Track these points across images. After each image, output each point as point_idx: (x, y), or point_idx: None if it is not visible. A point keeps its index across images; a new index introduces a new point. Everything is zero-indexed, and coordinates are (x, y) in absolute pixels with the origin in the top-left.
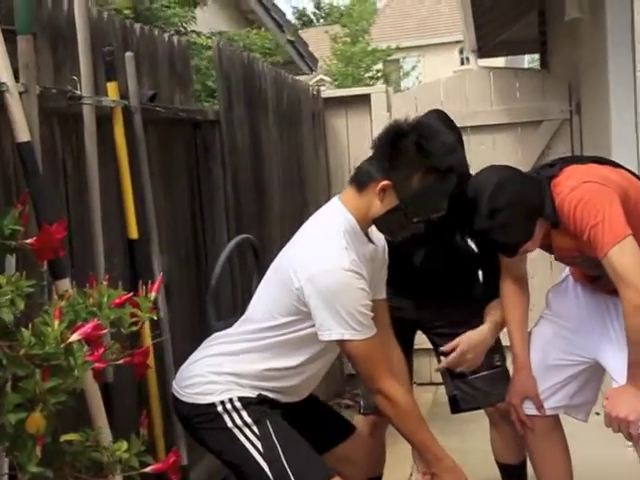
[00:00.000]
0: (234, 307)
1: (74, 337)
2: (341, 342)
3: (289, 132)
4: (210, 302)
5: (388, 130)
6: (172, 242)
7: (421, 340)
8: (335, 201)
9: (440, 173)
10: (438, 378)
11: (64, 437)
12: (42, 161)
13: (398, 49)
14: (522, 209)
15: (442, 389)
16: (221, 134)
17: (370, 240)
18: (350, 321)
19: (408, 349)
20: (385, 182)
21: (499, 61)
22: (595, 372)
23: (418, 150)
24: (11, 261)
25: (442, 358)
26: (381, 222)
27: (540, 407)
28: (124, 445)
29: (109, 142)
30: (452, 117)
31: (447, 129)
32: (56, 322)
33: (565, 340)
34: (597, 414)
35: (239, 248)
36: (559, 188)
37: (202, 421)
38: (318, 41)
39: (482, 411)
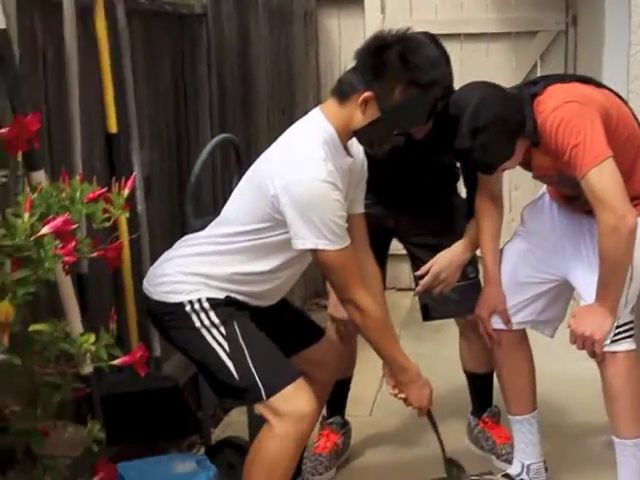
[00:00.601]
0: (214, 207)
1: (44, 230)
2: (314, 252)
3: (280, 30)
4: (189, 199)
5: (372, 41)
6: (154, 137)
7: (400, 246)
8: (316, 112)
9: (422, 86)
10: None
11: (32, 327)
12: (21, 46)
13: None
14: (503, 128)
15: None
16: (208, 29)
17: (349, 153)
18: (325, 231)
19: (383, 257)
20: (367, 93)
21: None
22: (564, 290)
23: (401, 62)
24: None
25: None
26: (362, 134)
27: (507, 322)
28: (92, 337)
29: (91, 32)
30: (447, 23)
31: (432, 44)
32: (26, 214)
33: (536, 258)
34: (569, 327)
35: (222, 147)
36: (541, 107)
37: (171, 319)
38: None
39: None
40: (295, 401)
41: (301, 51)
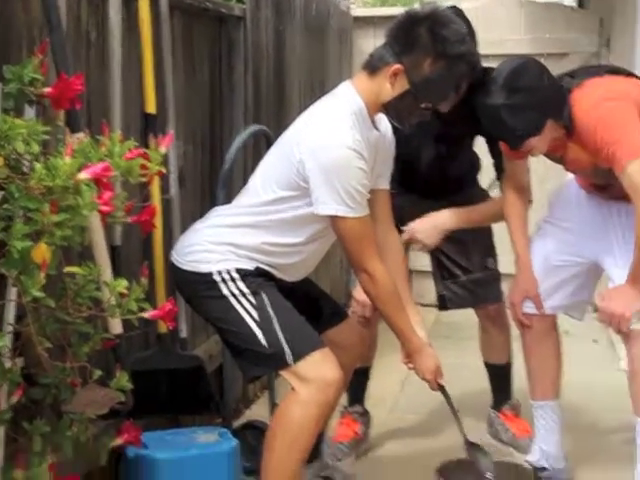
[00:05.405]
0: None
1: (83, 175)
2: (334, 218)
3: (314, 44)
4: (221, 187)
5: (403, 16)
6: (189, 131)
7: (426, 262)
8: (346, 84)
9: (451, 59)
10: None
11: (67, 269)
12: (67, 27)
13: None
14: (539, 99)
15: (445, 311)
16: (246, 32)
17: (376, 127)
18: (346, 198)
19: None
20: (397, 66)
21: None
22: (593, 273)
23: (431, 36)
24: (30, 112)
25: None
26: (390, 107)
27: (540, 307)
28: (124, 282)
29: (134, 19)
30: (480, 43)
31: (460, 20)
32: (67, 158)
33: (565, 242)
34: (595, 342)
35: (254, 139)
36: (578, 103)
37: (200, 289)
38: None
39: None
40: (321, 367)
41: (335, 67)
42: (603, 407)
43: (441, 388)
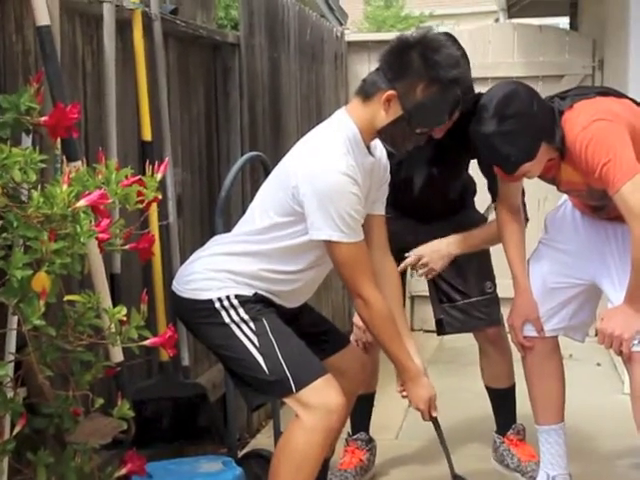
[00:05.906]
0: None
1: (81, 203)
2: (328, 244)
3: (310, 70)
4: (219, 215)
5: (395, 42)
6: (186, 155)
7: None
8: (341, 111)
9: (444, 84)
10: None
11: (67, 297)
12: (63, 57)
13: (432, 16)
14: (530, 124)
15: (447, 337)
16: (240, 59)
17: (371, 153)
18: (340, 224)
19: (402, 274)
20: (390, 92)
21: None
22: (592, 294)
23: (423, 61)
24: (27, 141)
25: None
26: (385, 133)
27: (540, 329)
28: (123, 310)
29: (129, 48)
30: (474, 67)
31: (452, 44)
32: (65, 186)
33: (563, 264)
34: (598, 365)
35: (251, 164)
36: (569, 125)
37: (200, 316)
38: (351, 1)
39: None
40: (324, 394)
41: (331, 93)
42: (608, 432)
43: (433, 420)
